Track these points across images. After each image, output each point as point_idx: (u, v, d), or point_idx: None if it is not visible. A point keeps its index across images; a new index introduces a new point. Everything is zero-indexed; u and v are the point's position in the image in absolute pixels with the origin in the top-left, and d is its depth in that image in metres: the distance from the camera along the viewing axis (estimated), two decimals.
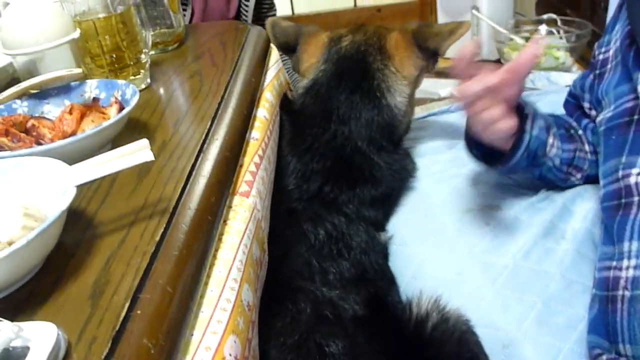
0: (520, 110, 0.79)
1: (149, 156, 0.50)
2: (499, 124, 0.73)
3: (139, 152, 0.50)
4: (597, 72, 0.84)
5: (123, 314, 0.42)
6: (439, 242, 0.87)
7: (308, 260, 0.77)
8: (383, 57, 0.98)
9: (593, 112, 0.88)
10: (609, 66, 0.81)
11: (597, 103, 0.84)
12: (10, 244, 0.47)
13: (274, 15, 1.71)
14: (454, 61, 0.72)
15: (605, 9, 2.03)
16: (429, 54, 0.99)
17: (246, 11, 1.59)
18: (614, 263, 0.67)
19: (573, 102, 0.94)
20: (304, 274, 0.75)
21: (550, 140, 0.84)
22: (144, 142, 0.51)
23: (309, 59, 1.03)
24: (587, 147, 0.88)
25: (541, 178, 0.90)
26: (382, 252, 0.88)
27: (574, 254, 0.82)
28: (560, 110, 0.98)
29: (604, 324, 0.67)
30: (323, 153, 0.90)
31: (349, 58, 0.98)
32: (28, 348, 0.37)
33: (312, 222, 0.82)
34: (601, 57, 0.84)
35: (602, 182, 0.75)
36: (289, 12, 2.98)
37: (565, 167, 0.88)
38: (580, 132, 0.90)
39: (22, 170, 0.53)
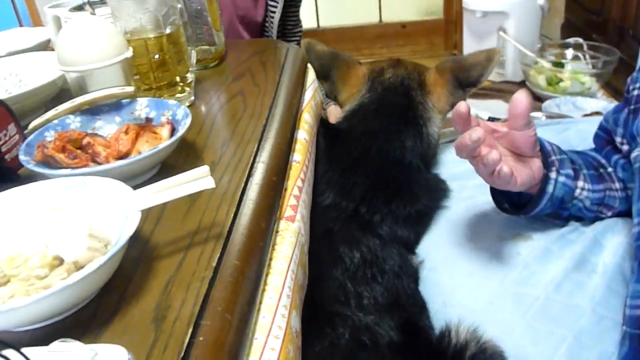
0: (546, 157, 0.80)
1: (210, 183, 0.52)
2: (500, 168, 0.71)
3: (200, 179, 0.52)
4: (632, 107, 0.85)
5: (187, 341, 0.43)
6: (470, 269, 0.87)
7: (343, 284, 0.78)
8: (423, 92, 1.06)
9: (625, 147, 0.88)
10: None
11: (632, 139, 0.85)
12: (75, 264, 0.49)
13: (300, 32, 1.73)
14: (452, 116, 0.73)
15: (634, 36, 2.03)
16: (468, 84, 1.07)
17: (271, 27, 1.61)
18: None
19: (604, 136, 0.94)
20: (340, 298, 0.76)
21: (580, 183, 0.84)
22: (204, 169, 0.53)
23: (350, 90, 1.10)
24: (617, 185, 0.89)
25: (569, 217, 0.91)
26: (414, 276, 0.89)
27: (604, 289, 0.82)
28: (590, 140, 0.98)
29: None
30: (365, 169, 0.95)
31: (393, 90, 1.06)
32: None
33: (348, 244, 0.84)
34: (635, 92, 0.84)
35: (636, 220, 0.75)
36: (314, 25, 3.01)
37: (595, 207, 0.88)
38: (610, 169, 0.90)
39: (85, 189, 0.55)
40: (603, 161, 0.92)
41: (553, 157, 0.82)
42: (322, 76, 1.14)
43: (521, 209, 0.86)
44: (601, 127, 0.96)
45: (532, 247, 0.89)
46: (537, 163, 0.78)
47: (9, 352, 0.37)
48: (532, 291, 0.82)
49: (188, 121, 0.67)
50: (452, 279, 0.88)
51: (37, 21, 2.30)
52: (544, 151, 0.80)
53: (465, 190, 1.05)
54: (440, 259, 0.92)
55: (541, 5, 2.38)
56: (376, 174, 0.94)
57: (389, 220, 0.89)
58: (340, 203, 0.90)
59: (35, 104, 0.86)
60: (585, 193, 0.85)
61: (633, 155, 0.81)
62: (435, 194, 0.99)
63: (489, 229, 0.94)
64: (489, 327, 0.78)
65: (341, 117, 1.07)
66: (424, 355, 0.73)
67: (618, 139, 0.90)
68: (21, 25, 2.32)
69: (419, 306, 0.83)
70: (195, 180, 0.52)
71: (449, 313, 0.83)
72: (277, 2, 1.56)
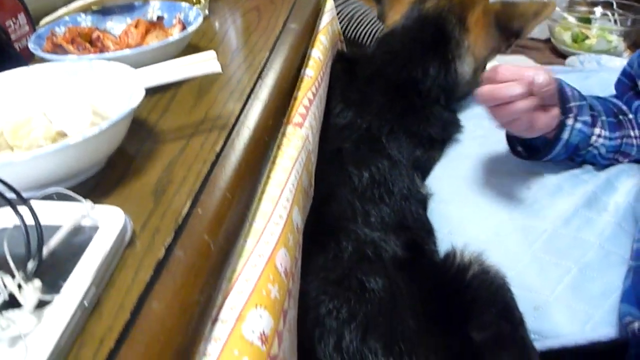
0: (564, 103, 0.78)
1: (216, 67, 0.51)
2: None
3: (206, 62, 0.51)
4: None
5: (185, 211, 0.43)
6: (478, 202, 0.87)
7: (351, 202, 0.78)
8: (461, 29, 1.00)
9: None
10: None
11: None
12: None
13: None
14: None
15: None
16: (510, 34, 1.00)
17: None
18: None
19: (626, 82, 0.92)
20: (347, 215, 0.76)
21: (597, 130, 0.82)
22: (211, 53, 0.52)
23: (394, 16, 1.07)
24: (636, 132, 0.87)
25: (584, 163, 0.89)
26: (423, 202, 0.88)
27: (614, 227, 0.81)
28: (611, 89, 0.95)
29: (637, 294, 0.67)
30: (383, 88, 0.95)
31: (427, 20, 1.02)
32: (97, 228, 0.39)
33: (357, 164, 0.83)
34: None
35: None
36: None
37: (611, 155, 0.86)
38: (630, 116, 0.88)
39: (91, 72, 0.54)
40: (624, 108, 0.90)
41: (572, 103, 0.79)
42: None
43: (535, 153, 0.85)
44: (624, 73, 0.93)
45: (542, 183, 0.88)
46: (555, 110, 0.76)
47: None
48: (539, 224, 0.81)
49: (200, 20, 0.66)
50: (460, 210, 0.87)
51: None
52: (563, 97, 0.78)
53: (479, 129, 1.04)
54: (450, 192, 0.91)
55: None
56: (393, 93, 0.94)
57: (400, 138, 0.89)
58: (356, 121, 0.90)
59: (48, 8, 0.85)
60: (601, 140, 0.83)
61: None
62: (447, 126, 0.99)
63: (501, 165, 0.93)
64: (495, 256, 0.77)
65: (373, 45, 1.07)
66: (426, 271, 0.73)
67: None
68: None
69: (426, 230, 0.83)
70: (201, 63, 0.51)
71: (455, 241, 0.82)
72: None
